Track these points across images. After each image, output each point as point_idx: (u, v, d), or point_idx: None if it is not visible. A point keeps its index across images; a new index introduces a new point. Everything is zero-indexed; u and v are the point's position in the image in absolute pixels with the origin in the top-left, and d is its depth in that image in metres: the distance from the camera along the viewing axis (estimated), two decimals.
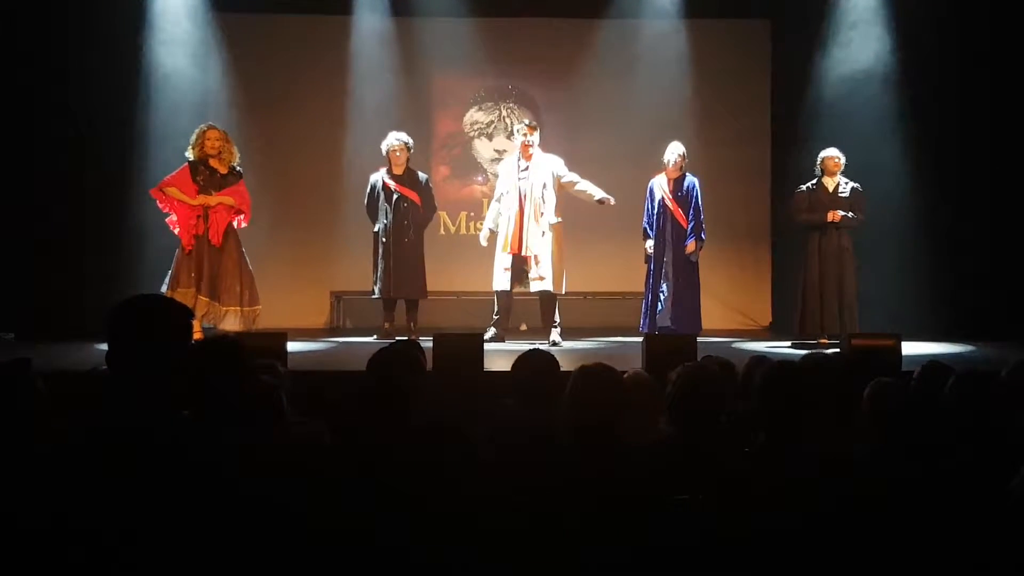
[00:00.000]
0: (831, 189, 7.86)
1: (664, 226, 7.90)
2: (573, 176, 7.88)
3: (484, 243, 8.07)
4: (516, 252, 7.77)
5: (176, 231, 7.32)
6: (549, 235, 7.75)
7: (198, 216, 7.27)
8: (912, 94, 8.74)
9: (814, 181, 7.93)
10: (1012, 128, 8.51)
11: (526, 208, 7.75)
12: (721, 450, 2.99)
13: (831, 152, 7.92)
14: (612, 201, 7.82)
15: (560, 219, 7.83)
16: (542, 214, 7.74)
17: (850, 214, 7.78)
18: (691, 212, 7.85)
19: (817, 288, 7.80)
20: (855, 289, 7.81)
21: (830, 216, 7.75)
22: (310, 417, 3.37)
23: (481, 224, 8.41)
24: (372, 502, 2.46)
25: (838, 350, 6.46)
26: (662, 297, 7.87)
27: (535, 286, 7.82)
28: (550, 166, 7.83)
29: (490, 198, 8.54)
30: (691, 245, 7.85)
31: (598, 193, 7.83)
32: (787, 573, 2.52)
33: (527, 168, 7.82)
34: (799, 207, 7.94)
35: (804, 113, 9.32)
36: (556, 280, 7.83)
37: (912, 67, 8.75)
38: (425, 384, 3.30)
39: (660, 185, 7.95)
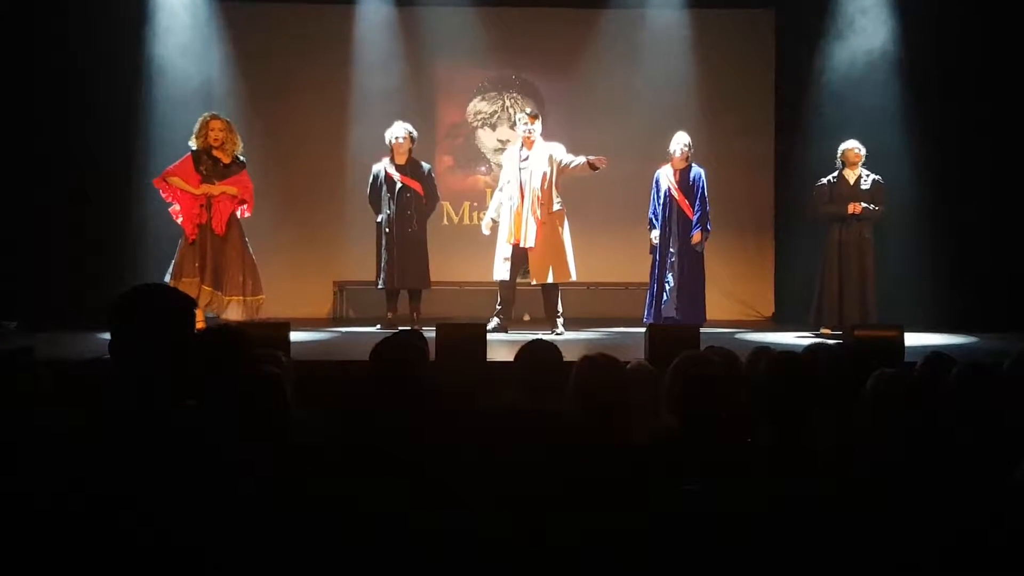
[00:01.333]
0: (852, 181, 7.82)
1: (670, 217, 7.89)
2: (569, 157, 7.77)
3: (486, 232, 8.06)
4: (517, 242, 7.76)
5: (179, 221, 7.32)
6: (549, 224, 7.74)
7: (201, 206, 7.28)
8: (918, 83, 8.70)
9: (835, 174, 7.89)
10: (1017, 118, 8.48)
11: (527, 198, 7.73)
12: (723, 441, 2.99)
13: (851, 144, 7.87)
14: (604, 160, 7.64)
15: (560, 203, 7.77)
16: (542, 204, 7.72)
17: (871, 206, 7.75)
18: (697, 203, 7.84)
19: (836, 280, 7.77)
20: (874, 280, 7.78)
21: (850, 208, 7.72)
22: (313, 407, 3.37)
23: (484, 214, 8.40)
24: (375, 493, 2.47)
25: (841, 341, 6.44)
26: (667, 288, 7.87)
27: (535, 279, 7.82)
28: (550, 152, 7.78)
29: (493, 188, 8.51)
30: (697, 235, 7.84)
31: (588, 158, 7.66)
32: (789, 564, 2.53)
33: (528, 157, 7.81)
34: (820, 200, 7.90)
35: (808, 103, 9.27)
36: (560, 269, 7.81)
37: (918, 55, 8.70)
38: (428, 374, 3.29)
39: (666, 176, 7.93)
